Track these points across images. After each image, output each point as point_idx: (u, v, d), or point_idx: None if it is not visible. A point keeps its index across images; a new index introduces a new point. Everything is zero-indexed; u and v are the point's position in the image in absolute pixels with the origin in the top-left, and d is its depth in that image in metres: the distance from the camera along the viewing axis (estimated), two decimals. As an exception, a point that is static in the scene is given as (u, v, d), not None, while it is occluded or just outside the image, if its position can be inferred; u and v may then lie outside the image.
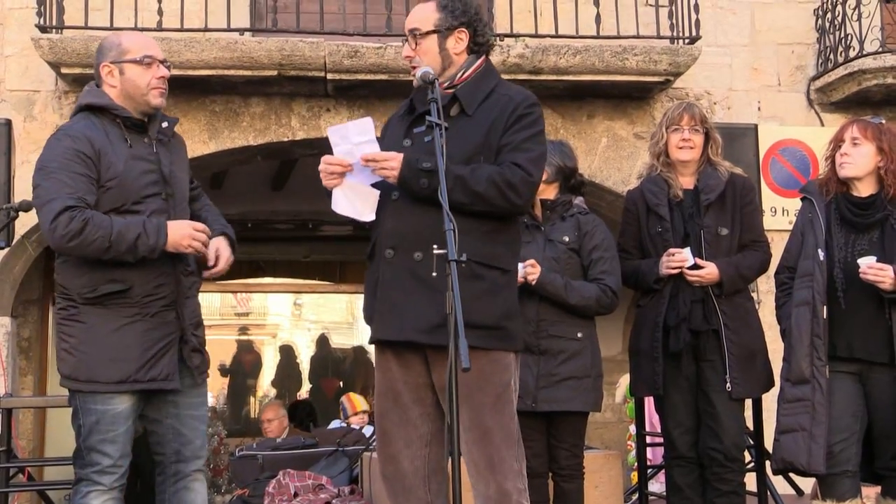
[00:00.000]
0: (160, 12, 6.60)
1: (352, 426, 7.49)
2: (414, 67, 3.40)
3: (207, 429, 3.93)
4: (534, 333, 4.37)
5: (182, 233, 3.59)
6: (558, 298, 4.40)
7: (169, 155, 3.75)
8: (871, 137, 4.20)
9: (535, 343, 4.37)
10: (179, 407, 3.77)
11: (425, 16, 3.44)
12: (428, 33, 3.42)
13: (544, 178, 4.40)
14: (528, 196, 3.39)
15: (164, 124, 3.77)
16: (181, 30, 6.64)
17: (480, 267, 3.27)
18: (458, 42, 3.44)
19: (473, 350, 3.11)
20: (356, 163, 3.31)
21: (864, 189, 4.24)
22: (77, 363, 3.62)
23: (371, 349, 14.31)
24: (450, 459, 2.92)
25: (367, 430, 7.02)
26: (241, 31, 6.81)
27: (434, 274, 3.05)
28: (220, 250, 3.76)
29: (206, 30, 6.73)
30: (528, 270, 4.30)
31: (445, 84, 3.43)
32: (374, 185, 3.37)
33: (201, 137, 7.01)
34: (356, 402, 8.07)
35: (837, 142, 4.28)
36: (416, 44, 3.42)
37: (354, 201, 3.36)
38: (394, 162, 3.25)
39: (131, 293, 3.59)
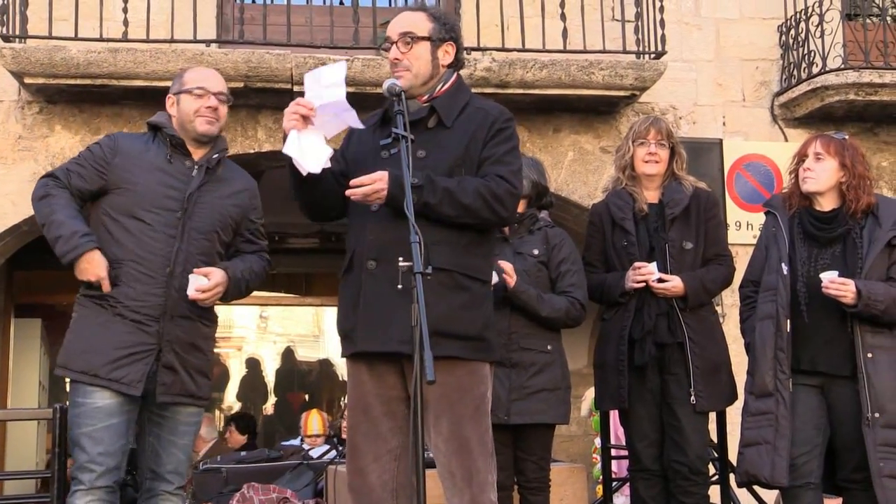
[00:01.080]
0: (126, 23, 6.55)
1: (303, 447, 7.41)
2: (401, 70, 3.39)
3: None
4: (505, 346, 4.38)
5: (88, 266, 3.74)
6: (531, 309, 4.41)
7: (203, 181, 3.90)
8: (834, 153, 4.24)
9: (507, 356, 4.38)
10: (162, 429, 3.85)
11: (418, 22, 3.45)
12: (422, 39, 3.42)
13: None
14: (513, 208, 3.43)
15: (215, 155, 3.97)
16: (147, 41, 6.60)
17: (464, 278, 3.31)
18: (446, 55, 3.48)
19: (456, 361, 3.22)
20: (318, 107, 3.28)
21: (827, 203, 4.28)
22: (63, 349, 3.83)
23: (337, 362, 14.32)
24: (415, 472, 2.92)
25: (316, 452, 6.95)
26: (208, 42, 6.78)
27: (414, 287, 3.05)
28: (212, 275, 3.80)
29: (172, 41, 6.69)
30: (508, 273, 4.32)
31: (426, 96, 3.45)
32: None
33: (167, 149, 6.96)
34: (310, 424, 7.96)
35: (801, 157, 4.32)
36: (409, 48, 3.41)
37: (305, 149, 3.30)
38: (381, 183, 3.23)
39: (116, 293, 3.73)
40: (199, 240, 3.85)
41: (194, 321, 3.85)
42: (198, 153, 3.96)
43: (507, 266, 4.34)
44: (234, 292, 3.91)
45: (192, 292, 3.75)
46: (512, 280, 4.34)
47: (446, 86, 3.47)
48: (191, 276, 3.76)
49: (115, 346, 3.71)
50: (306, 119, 3.29)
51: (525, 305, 4.41)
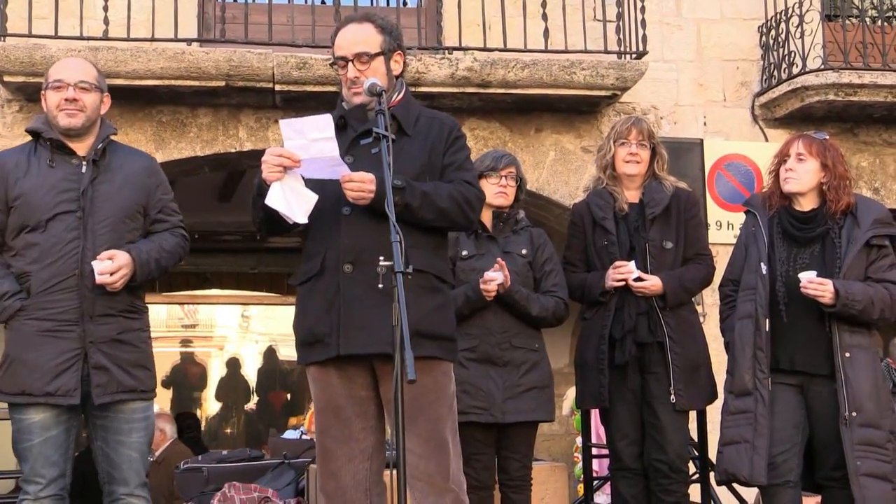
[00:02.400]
0: (106, 21, 6.52)
1: (312, 438, 7.37)
2: (360, 88, 3.38)
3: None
4: (497, 345, 4.40)
5: None
6: (523, 308, 4.43)
7: (93, 175, 3.78)
8: (816, 154, 4.26)
9: (499, 355, 4.40)
10: (108, 431, 3.78)
11: (369, 38, 3.46)
12: (377, 55, 3.45)
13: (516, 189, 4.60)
14: (480, 213, 3.60)
15: (100, 145, 3.83)
16: (128, 39, 6.57)
17: (436, 280, 3.38)
18: (397, 64, 3.53)
19: (431, 361, 3.26)
20: (306, 160, 3.22)
21: (807, 204, 4.30)
22: None
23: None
24: (395, 472, 2.93)
25: None
26: (189, 41, 6.75)
27: (394, 286, 3.05)
28: (115, 258, 3.70)
29: (153, 39, 6.66)
30: (504, 274, 4.32)
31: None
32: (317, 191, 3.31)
33: (148, 148, 6.90)
34: None
35: (783, 157, 4.34)
36: (367, 66, 3.42)
37: (291, 199, 3.26)
38: (370, 185, 3.24)
39: (28, 307, 3.68)
40: (104, 234, 3.74)
41: (117, 317, 3.75)
42: (82, 147, 3.82)
43: (502, 264, 4.34)
44: (145, 273, 3.77)
45: (97, 277, 3.65)
46: (507, 279, 4.35)
47: (400, 96, 3.52)
48: (94, 263, 3.66)
49: (42, 360, 3.64)
50: (287, 168, 3.26)
51: (516, 304, 4.43)
